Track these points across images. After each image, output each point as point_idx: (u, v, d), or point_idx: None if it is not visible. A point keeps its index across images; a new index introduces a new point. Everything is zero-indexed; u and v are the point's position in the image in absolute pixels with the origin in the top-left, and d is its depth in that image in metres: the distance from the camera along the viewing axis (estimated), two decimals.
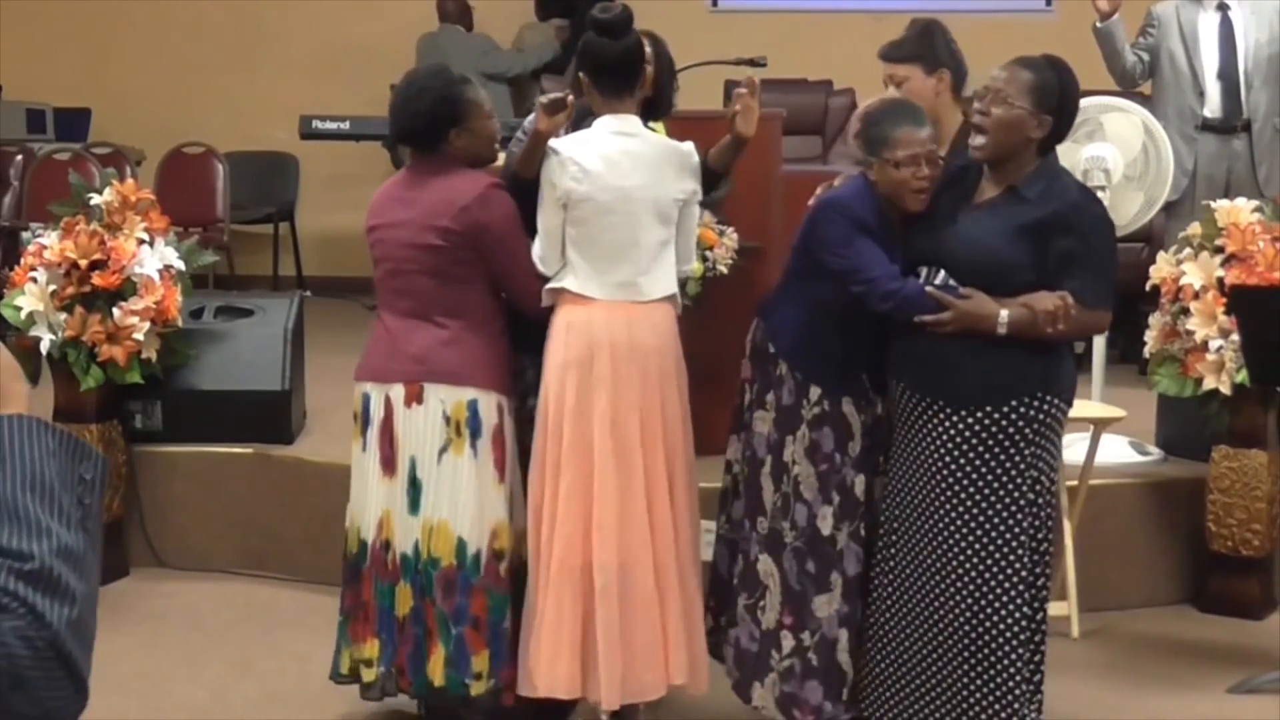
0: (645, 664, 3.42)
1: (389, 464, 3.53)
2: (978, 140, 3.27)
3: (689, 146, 3.52)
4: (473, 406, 3.49)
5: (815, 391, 3.44)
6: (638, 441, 3.40)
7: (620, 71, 3.45)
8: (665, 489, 3.44)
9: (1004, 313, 3.17)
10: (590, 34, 3.46)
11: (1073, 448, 4.34)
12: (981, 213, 3.28)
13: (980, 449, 3.21)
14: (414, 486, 3.51)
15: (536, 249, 3.48)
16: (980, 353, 3.20)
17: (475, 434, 3.49)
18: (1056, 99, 3.23)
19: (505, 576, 3.54)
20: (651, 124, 3.60)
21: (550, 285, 3.46)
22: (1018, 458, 3.21)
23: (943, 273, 3.28)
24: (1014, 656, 3.25)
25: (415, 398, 3.49)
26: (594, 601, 3.39)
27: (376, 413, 3.54)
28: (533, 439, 3.51)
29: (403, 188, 3.58)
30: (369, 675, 3.60)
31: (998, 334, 3.17)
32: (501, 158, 3.73)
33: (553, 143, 3.41)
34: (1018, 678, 3.25)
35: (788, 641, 3.44)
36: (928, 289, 3.26)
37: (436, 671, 3.51)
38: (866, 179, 3.40)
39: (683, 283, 3.68)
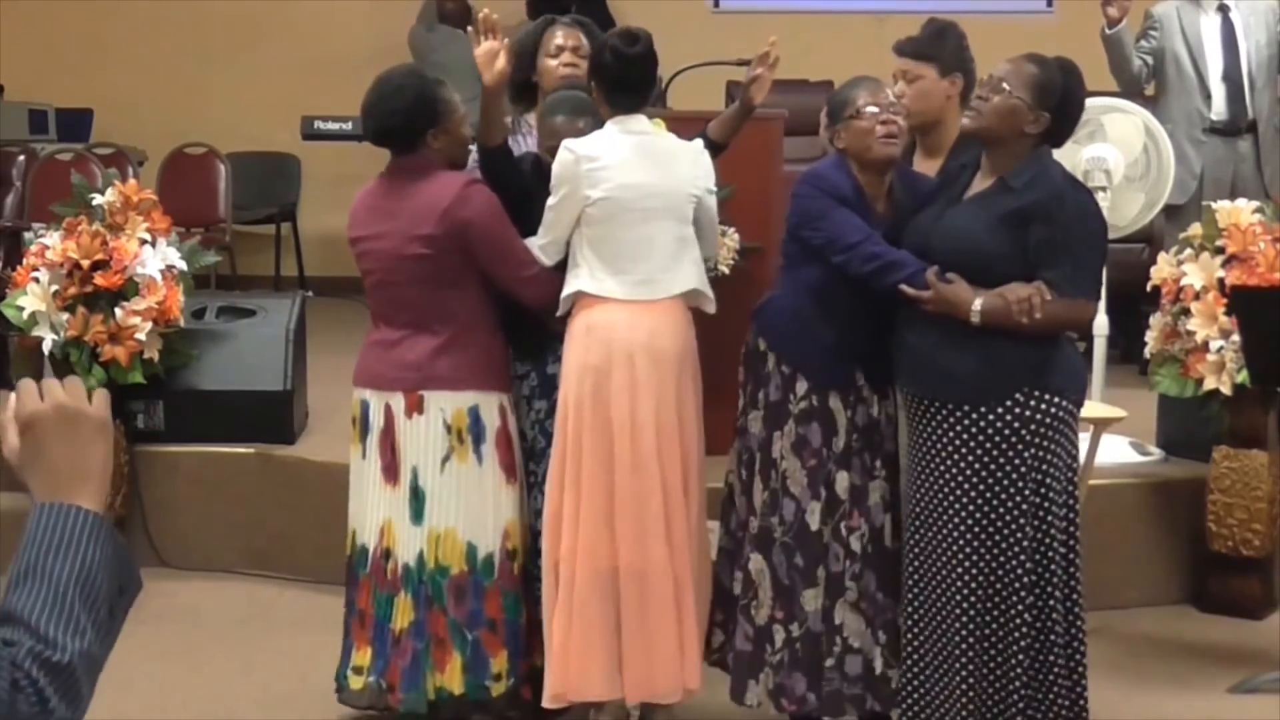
0: (662, 668, 3.44)
1: (391, 472, 3.50)
2: (969, 113, 3.27)
3: (699, 144, 3.55)
4: (474, 412, 3.47)
5: (802, 386, 3.42)
6: (655, 448, 3.41)
7: (633, 93, 3.49)
8: (681, 495, 3.45)
9: (978, 301, 3.15)
10: (606, 55, 3.48)
11: None
12: (969, 204, 3.28)
13: (979, 451, 3.20)
14: (416, 497, 3.49)
15: (539, 238, 3.48)
16: (969, 348, 3.18)
17: (479, 439, 3.47)
18: (1057, 99, 3.22)
19: (518, 575, 3.54)
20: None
21: (566, 291, 3.46)
22: (1017, 460, 3.19)
23: (934, 267, 3.27)
24: (1015, 661, 3.23)
25: (416, 407, 3.46)
26: (619, 604, 3.40)
27: (376, 420, 3.52)
28: (552, 442, 3.50)
29: (381, 196, 3.52)
30: (357, 683, 3.55)
31: (973, 323, 3.15)
32: None
33: (567, 143, 3.42)
34: (1018, 683, 3.23)
35: (779, 635, 3.44)
36: (917, 269, 3.24)
37: (454, 680, 3.48)
38: (840, 155, 3.41)
39: (713, 274, 3.67)
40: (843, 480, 3.42)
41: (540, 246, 3.48)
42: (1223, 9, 5.85)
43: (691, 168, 3.49)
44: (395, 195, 3.49)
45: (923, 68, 3.69)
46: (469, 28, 3.51)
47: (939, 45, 3.73)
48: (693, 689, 3.50)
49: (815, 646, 3.41)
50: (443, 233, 3.41)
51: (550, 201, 3.44)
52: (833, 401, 3.42)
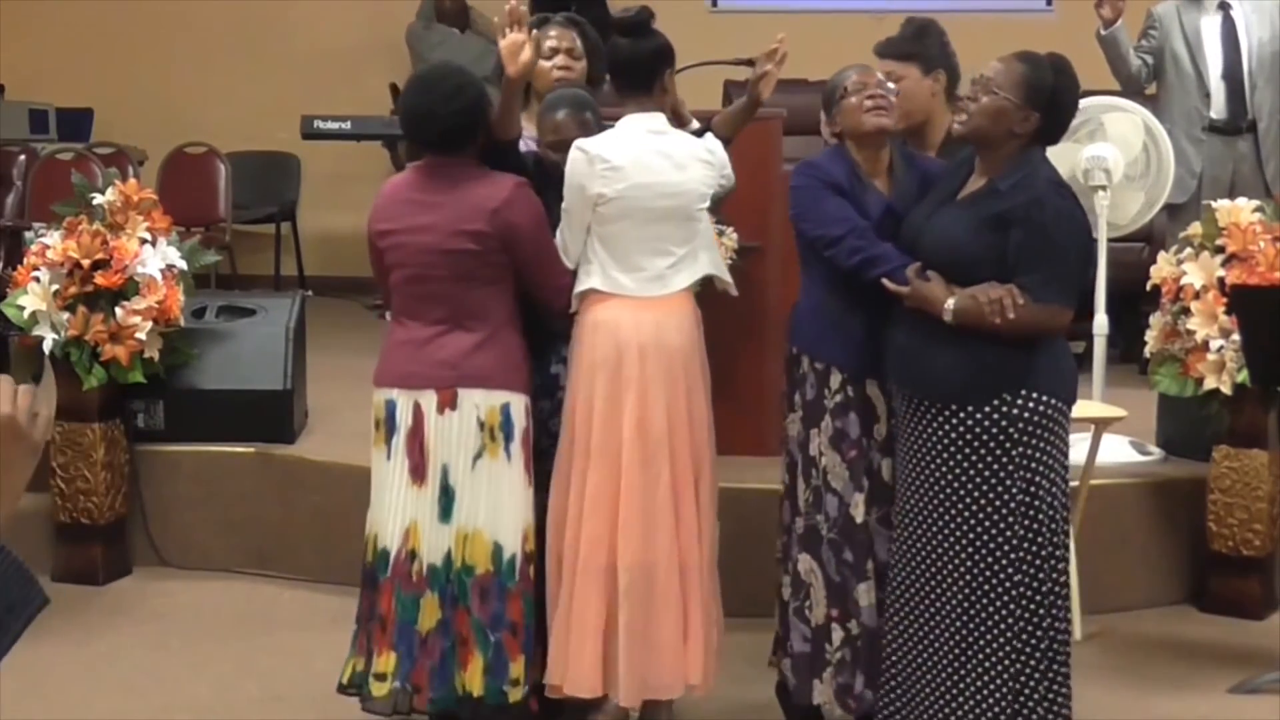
0: (665, 663, 3.44)
1: (419, 472, 3.45)
2: (959, 117, 3.27)
3: (714, 142, 3.55)
4: (506, 410, 3.44)
5: (836, 379, 3.42)
6: (665, 442, 3.41)
7: (638, 71, 3.48)
8: (691, 489, 3.45)
9: (950, 300, 3.15)
10: (613, 35, 3.50)
11: (1074, 448, 4.30)
12: (958, 206, 3.27)
13: (966, 450, 3.18)
14: (446, 494, 3.44)
15: (559, 238, 3.48)
16: (955, 347, 3.17)
17: (509, 438, 3.45)
18: (1047, 98, 3.19)
19: (533, 578, 3.51)
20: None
21: (578, 289, 3.45)
22: (1005, 459, 3.17)
23: (915, 264, 3.25)
24: (1001, 668, 3.20)
25: (449, 404, 3.42)
26: (617, 601, 3.40)
27: (404, 420, 3.46)
28: (558, 440, 3.49)
29: (418, 190, 3.48)
30: (380, 689, 3.48)
31: (946, 321, 3.14)
32: None
33: (579, 142, 3.41)
34: (1004, 689, 3.20)
35: (837, 634, 3.43)
36: (900, 264, 3.23)
37: (475, 681, 3.44)
38: (838, 143, 3.44)
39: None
40: (887, 467, 3.42)
41: (563, 248, 3.48)
42: (1223, 7, 5.85)
43: (704, 167, 3.49)
44: (436, 190, 3.45)
45: (905, 68, 3.71)
46: (495, 19, 3.50)
47: (920, 44, 3.75)
48: (694, 684, 3.49)
49: (874, 642, 3.41)
50: (493, 231, 3.38)
51: (565, 205, 3.44)
52: (870, 389, 3.41)
